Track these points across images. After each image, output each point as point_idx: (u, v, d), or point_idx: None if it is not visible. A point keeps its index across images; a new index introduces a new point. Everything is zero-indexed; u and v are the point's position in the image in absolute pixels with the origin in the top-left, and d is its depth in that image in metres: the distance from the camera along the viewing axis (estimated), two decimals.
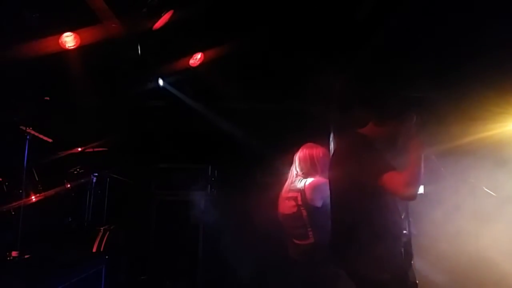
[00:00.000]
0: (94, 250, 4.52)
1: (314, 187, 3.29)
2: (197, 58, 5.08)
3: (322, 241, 3.10)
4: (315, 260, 3.23)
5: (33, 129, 3.99)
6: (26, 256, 3.66)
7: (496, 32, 3.76)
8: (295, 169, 3.54)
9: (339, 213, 2.72)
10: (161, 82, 5.41)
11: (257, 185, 5.50)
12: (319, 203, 3.27)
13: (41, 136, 4.12)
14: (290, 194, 3.42)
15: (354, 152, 2.61)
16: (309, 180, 3.36)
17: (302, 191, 3.33)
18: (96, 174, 5.10)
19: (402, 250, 2.59)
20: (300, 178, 3.45)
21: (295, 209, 3.33)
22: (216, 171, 5.82)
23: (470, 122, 3.01)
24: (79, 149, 5.02)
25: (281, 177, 4.03)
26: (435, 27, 4.03)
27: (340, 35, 4.59)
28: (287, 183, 3.56)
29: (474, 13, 3.70)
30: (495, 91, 3.33)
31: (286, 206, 3.43)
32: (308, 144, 3.63)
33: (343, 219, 2.65)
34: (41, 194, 4.37)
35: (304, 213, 3.28)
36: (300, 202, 3.31)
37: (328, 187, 2.88)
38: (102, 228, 4.79)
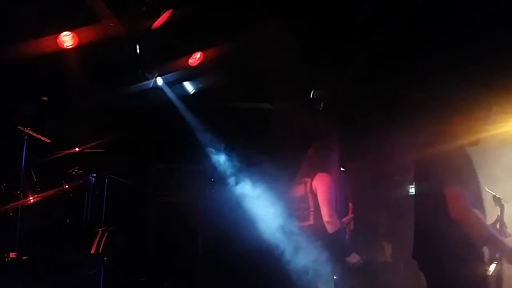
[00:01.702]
0: (92, 251, 4.50)
1: (320, 180, 3.67)
2: (196, 58, 5.05)
3: (318, 224, 3.56)
4: (314, 241, 3.55)
5: (31, 130, 3.97)
6: (24, 258, 3.64)
7: (498, 32, 3.76)
8: (310, 160, 3.90)
9: (423, 211, 2.80)
10: (160, 81, 5.39)
11: (257, 185, 5.47)
12: (321, 194, 3.61)
13: (39, 136, 4.09)
14: (302, 180, 3.82)
15: (442, 155, 2.65)
16: (319, 173, 3.72)
17: (311, 180, 3.72)
18: (95, 175, 5.07)
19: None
20: (312, 168, 3.80)
21: (303, 193, 3.75)
22: (215, 172, 5.79)
23: (471, 122, 2.98)
24: (77, 149, 5.00)
25: (281, 176, 4.10)
26: (436, 27, 4.02)
27: (339, 35, 4.58)
28: (300, 171, 3.92)
29: (476, 13, 3.69)
30: (497, 91, 3.31)
31: (296, 190, 3.83)
32: (323, 141, 3.99)
33: (426, 219, 2.73)
34: (39, 195, 4.34)
35: (310, 197, 3.68)
36: (308, 188, 3.70)
37: (330, 182, 3.57)
38: (100, 230, 4.77)
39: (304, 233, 3.67)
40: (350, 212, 4.32)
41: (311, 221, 3.64)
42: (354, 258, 3.58)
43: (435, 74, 4.63)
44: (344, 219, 4.16)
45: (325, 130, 4.44)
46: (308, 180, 3.73)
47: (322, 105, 5.44)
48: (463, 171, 2.57)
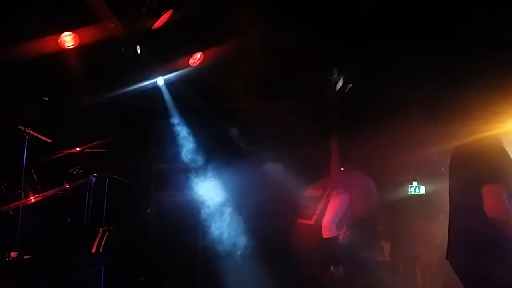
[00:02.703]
0: (93, 251, 4.50)
1: (340, 197, 3.78)
2: (196, 58, 5.07)
3: (317, 227, 3.66)
4: (313, 242, 3.65)
5: (32, 129, 3.97)
6: (25, 257, 3.65)
7: (497, 31, 3.76)
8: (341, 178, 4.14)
9: (460, 209, 2.72)
10: (160, 81, 5.40)
11: (257, 185, 5.48)
12: (333, 206, 3.73)
13: (40, 136, 4.09)
14: (325, 184, 3.97)
15: (480, 150, 2.62)
16: (344, 192, 3.83)
17: (334, 190, 3.85)
18: (95, 174, 5.08)
19: None
20: (341, 184, 3.94)
21: (319, 194, 3.87)
22: (216, 172, 5.80)
23: (471, 121, 2.99)
24: (78, 149, 5.00)
25: (280, 177, 4.13)
26: (436, 27, 4.02)
27: (340, 34, 4.58)
28: (325, 176, 4.16)
29: (476, 12, 3.69)
30: (496, 90, 3.32)
31: (313, 189, 3.96)
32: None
33: (467, 224, 2.64)
34: (40, 195, 4.34)
35: (323, 202, 3.79)
36: (326, 194, 3.83)
37: (347, 204, 3.71)
38: (101, 229, 4.77)
39: (300, 231, 3.75)
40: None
41: (312, 221, 3.73)
42: (338, 271, 3.64)
43: (436, 74, 4.64)
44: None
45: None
46: (331, 187, 3.86)
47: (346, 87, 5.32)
48: (502, 168, 2.51)
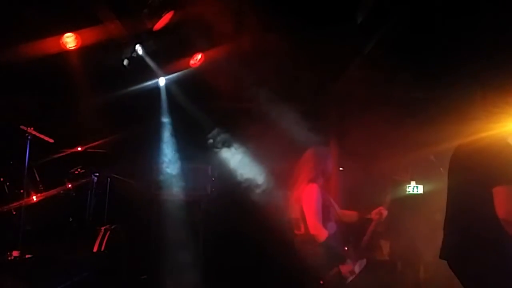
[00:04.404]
0: (95, 250, 4.53)
1: (306, 193, 3.65)
2: (197, 59, 5.09)
3: (308, 234, 3.53)
4: (308, 249, 3.57)
5: (34, 129, 4.00)
6: (27, 256, 3.68)
7: (495, 32, 3.78)
8: (300, 170, 3.83)
9: (463, 208, 2.69)
10: (161, 82, 5.42)
11: (256, 186, 5.51)
12: (305, 206, 3.60)
13: (42, 136, 4.13)
14: (297, 191, 3.78)
15: (489, 151, 2.58)
16: (310, 185, 3.68)
17: (298, 191, 3.72)
18: (97, 174, 5.11)
19: None
20: (308, 179, 3.75)
21: (292, 203, 3.75)
22: (216, 172, 5.83)
23: (468, 122, 3.01)
24: (80, 149, 5.03)
25: (279, 177, 4.12)
26: (435, 28, 4.04)
27: (340, 34, 4.59)
28: (300, 178, 3.83)
29: (474, 13, 3.71)
30: (493, 91, 3.35)
31: (294, 198, 3.79)
32: (317, 148, 3.92)
33: (470, 223, 2.61)
34: (42, 194, 4.38)
35: (298, 209, 3.66)
36: (295, 200, 3.71)
37: (318, 194, 3.55)
38: (103, 228, 4.79)
39: (299, 241, 3.68)
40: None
41: (302, 230, 3.62)
42: (346, 268, 3.55)
43: (435, 74, 4.65)
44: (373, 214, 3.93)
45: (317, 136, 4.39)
46: (295, 191, 3.72)
47: None
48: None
